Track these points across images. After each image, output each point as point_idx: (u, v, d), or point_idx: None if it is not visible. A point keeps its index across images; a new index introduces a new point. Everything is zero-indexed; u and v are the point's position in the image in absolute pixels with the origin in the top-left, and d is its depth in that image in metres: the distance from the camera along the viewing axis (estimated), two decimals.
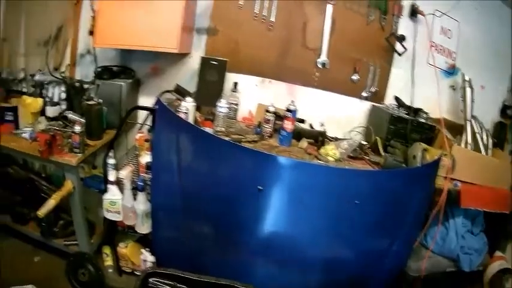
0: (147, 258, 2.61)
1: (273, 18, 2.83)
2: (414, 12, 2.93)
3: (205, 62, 2.76)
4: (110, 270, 2.80)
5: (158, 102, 2.37)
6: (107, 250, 2.84)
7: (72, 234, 2.85)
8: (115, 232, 2.76)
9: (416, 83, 2.97)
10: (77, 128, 2.44)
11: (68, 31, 3.26)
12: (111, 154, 2.45)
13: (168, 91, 2.78)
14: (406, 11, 2.94)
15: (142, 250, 2.65)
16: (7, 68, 3.49)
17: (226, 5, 2.84)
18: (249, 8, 2.82)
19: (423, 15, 2.89)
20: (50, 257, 2.99)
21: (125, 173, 2.43)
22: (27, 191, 3.17)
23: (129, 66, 3.00)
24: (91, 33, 2.98)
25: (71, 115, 2.60)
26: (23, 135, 2.68)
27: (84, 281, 2.63)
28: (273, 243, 2.06)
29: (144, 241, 2.71)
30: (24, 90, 3.15)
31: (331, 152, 2.41)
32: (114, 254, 2.78)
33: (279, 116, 2.58)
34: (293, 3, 2.83)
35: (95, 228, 2.93)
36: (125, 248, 2.74)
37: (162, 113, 2.34)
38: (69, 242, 2.87)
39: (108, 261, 2.82)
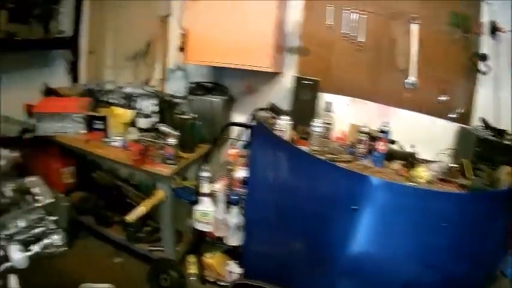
0: (234, 269, 2.69)
1: (361, 39, 2.84)
2: (494, 30, 2.87)
3: (298, 81, 2.81)
4: (193, 278, 2.88)
5: (256, 119, 2.43)
6: (191, 259, 2.93)
7: (157, 240, 2.99)
8: (202, 242, 2.84)
9: (502, 103, 2.91)
10: (172, 141, 2.55)
11: (157, 47, 3.41)
12: (205, 167, 2.52)
13: (262, 109, 2.84)
14: (486, 28, 2.88)
15: (229, 261, 2.73)
16: (95, 80, 3.68)
17: (315, 25, 2.88)
18: (338, 27, 2.85)
19: (503, 32, 2.83)
20: (130, 260, 3.14)
21: (219, 186, 2.51)
22: (112, 196, 3.32)
23: (221, 83, 3.08)
24: (181, 49, 3.07)
25: (163, 127, 2.70)
26: (113, 143, 2.86)
27: (165, 286, 2.73)
28: (361, 263, 2.07)
29: (230, 253, 2.78)
30: (112, 101, 3.29)
31: (422, 174, 2.40)
32: (199, 263, 2.86)
33: (371, 137, 2.59)
34: (380, 23, 2.84)
35: (182, 237, 3.03)
36: (212, 258, 2.82)
37: (260, 130, 2.41)
38: (153, 248, 3.00)
39: (192, 270, 2.90)
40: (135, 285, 2.83)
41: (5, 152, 3.20)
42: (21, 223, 1.87)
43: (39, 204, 1.98)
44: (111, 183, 3.52)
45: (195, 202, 2.60)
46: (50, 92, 3.78)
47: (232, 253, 2.74)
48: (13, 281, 1.81)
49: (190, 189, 2.73)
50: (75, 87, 3.88)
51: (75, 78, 4.12)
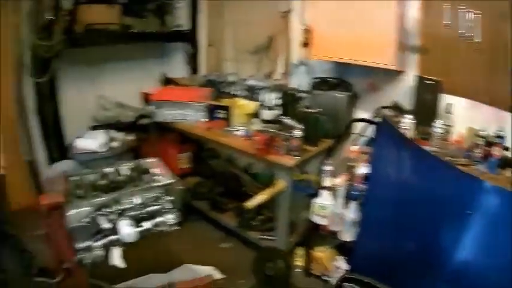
0: (341, 265, 2.86)
1: (477, 39, 2.85)
2: None
3: (420, 81, 2.91)
4: (298, 270, 3.10)
5: (382, 116, 2.58)
6: (299, 251, 3.15)
7: (269, 230, 3.25)
8: (314, 235, 3.03)
9: None
10: (297, 133, 2.78)
11: (279, 41, 3.68)
12: (328, 161, 2.73)
13: (385, 107, 2.98)
14: None
15: (337, 257, 2.91)
16: (215, 72, 4.07)
17: (433, 24, 2.91)
18: (455, 27, 2.87)
19: None
20: (238, 247, 3.44)
21: (340, 181, 2.70)
22: (228, 184, 3.65)
23: (345, 79, 3.24)
24: (304, 45, 3.28)
25: (287, 120, 2.94)
26: (236, 133, 3.16)
27: (270, 275, 2.91)
28: (467, 272, 2.09)
29: (340, 249, 2.95)
30: (234, 92, 3.64)
31: None
32: (307, 255, 3.07)
33: (487, 142, 2.63)
34: (495, 23, 2.81)
35: (294, 229, 3.25)
36: (322, 252, 3.02)
37: (385, 128, 2.55)
38: (264, 237, 3.26)
39: (298, 262, 3.13)
40: (239, 270, 3.08)
41: (121, 135, 3.70)
42: (137, 200, 2.10)
43: (158, 184, 2.20)
44: (228, 171, 3.87)
45: (313, 195, 2.81)
46: (168, 82, 4.28)
47: (342, 249, 2.91)
48: (116, 254, 2.04)
49: (309, 182, 2.95)
50: (195, 78, 4.33)
51: (194, 70, 4.58)
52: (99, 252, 2.02)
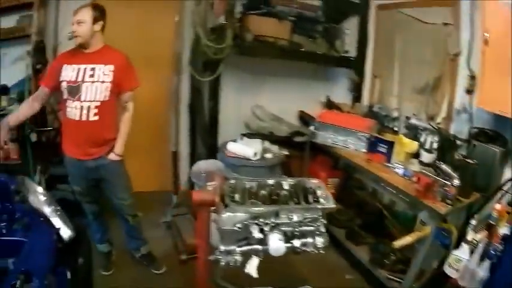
0: None
1: None
2: None
3: None
4: None
5: None
6: None
7: (398, 271, 3.53)
8: (441, 286, 3.23)
9: None
10: (456, 182, 3.01)
11: (445, 85, 3.92)
12: (474, 215, 3.00)
13: None
14: None
15: None
16: (378, 104, 4.50)
17: None
18: None
19: None
20: (358, 280, 3.77)
21: (480, 237, 2.90)
22: (369, 217, 4.08)
23: (502, 134, 3.36)
24: (468, 92, 3.53)
25: (444, 166, 3.19)
26: (396, 170, 3.49)
27: None
28: None
29: None
30: (396, 129, 4.01)
31: None
32: None
33: None
34: None
35: (422, 275, 3.45)
36: None
37: None
38: (392, 277, 3.55)
39: None
40: None
41: (275, 148, 4.25)
42: (295, 217, 2.24)
43: (321, 206, 2.34)
44: (372, 204, 4.26)
45: (448, 246, 3.08)
46: (330, 105, 4.78)
47: None
48: (254, 263, 2.21)
49: (449, 232, 3.23)
50: (357, 106, 4.78)
51: (356, 98, 5.04)
52: (238, 258, 2.24)
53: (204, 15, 3.89)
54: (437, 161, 3.33)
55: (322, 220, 2.32)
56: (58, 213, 2.33)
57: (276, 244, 2.17)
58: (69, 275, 2.14)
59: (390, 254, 3.63)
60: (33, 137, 3.82)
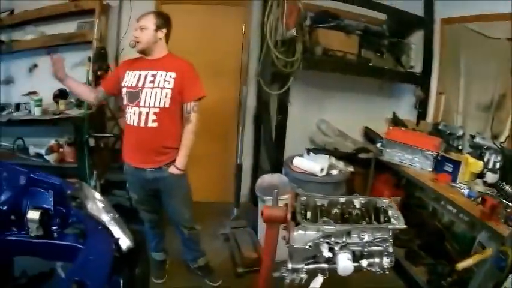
0: None
1: None
2: None
3: None
4: None
5: None
6: None
7: None
8: None
9: None
10: None
11: (509, 102, 3.80)
12: None
13: None
14: None
15: None
16: (443, 121, 4.42)
17: None
18: None
19: None
20: None
21: None
22: (430, 238, 4.00)
23: None
24: None
25: (509, 188, 3.13)
26: (462, 190, 3.41)
27: None
28: None
29: None
30: (460, 147, 3.95)
31: None
32: None
33: None
34: None
35: None
36: None
37: None
38: None
39: None
40: None
41: (341, 164, 4.25)
42: (366, 237, 2.19)
43: (393, 227, 2.25)
44: (433, 224, 4.19)
45: (504, 269, 2.99)
46: (397, 122, 4.73)
47: None
48: (319, 281, 2.20)
49: (505, 255, 3.14)
50: (424, 124, 4.70)
51: (421, 115, 4.96)
52: (303, 276, 2.23)
53: (274, 27, 3.88)
54: (499, 182, 3.26)
55: (391, 240, 2.26)
56: (117, 221, 2.30)
57: (345, 263, 2.14)
58: (122, 284, 2.07)
59: (448, 276, 3.55)
60: (91, 142, 4.02)
